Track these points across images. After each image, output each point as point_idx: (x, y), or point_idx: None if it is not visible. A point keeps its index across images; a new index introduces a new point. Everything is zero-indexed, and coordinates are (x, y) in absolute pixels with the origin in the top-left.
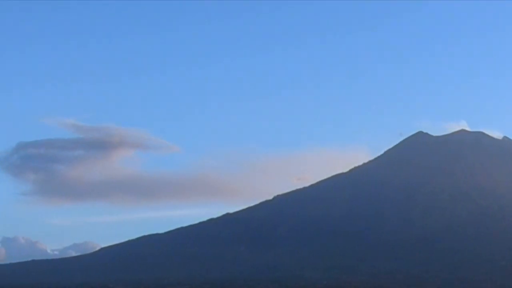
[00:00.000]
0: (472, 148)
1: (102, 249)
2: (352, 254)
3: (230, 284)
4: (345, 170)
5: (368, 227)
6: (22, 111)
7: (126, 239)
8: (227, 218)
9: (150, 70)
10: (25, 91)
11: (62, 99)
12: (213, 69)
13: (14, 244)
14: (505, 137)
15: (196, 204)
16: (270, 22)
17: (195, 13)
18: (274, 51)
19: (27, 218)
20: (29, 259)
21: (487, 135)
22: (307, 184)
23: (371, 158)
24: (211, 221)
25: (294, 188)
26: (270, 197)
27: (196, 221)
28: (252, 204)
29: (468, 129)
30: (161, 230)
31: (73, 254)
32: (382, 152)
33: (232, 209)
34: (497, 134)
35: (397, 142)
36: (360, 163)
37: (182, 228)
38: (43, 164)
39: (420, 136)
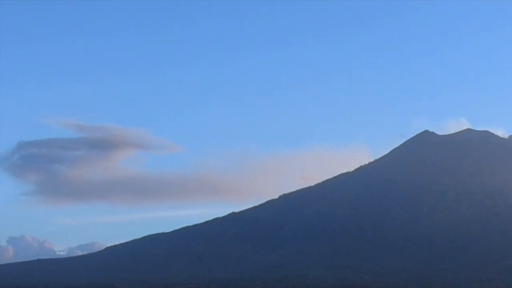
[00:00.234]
0: (478, 147)
1: (107, 248)
2: (358, 253)
3: (235, 283)
4: (349, 169)
5: (374, 226)
6: (23, 111)
7: (131, 239)
8: (232, 218)
9: (152, 70)
10: (26, 90)
11: (63, 99)
12: (216, 69)
13: (20, 244)
14: (511, 136)
15: (201, 204)
16: (271, 22)
17: (196, 13)
18: (276, 51)
19: (28, 218)
20: (35, 258)
21: (493, 134)
22: (312, 184)
23: (375, 157)
24: (216, 220)
25: (298, 188)
26: (275, 197)
27: (202, 221)
28: (257, 204)
29: (468, 127)
30: (166, 229)
31: (79, 253)
32: (387, 151)
33: (236, 209)
34: (502, 133)
35: (402, 142)
36: (363, 162)
37: (187, 227)
38: (44, 164)
39: (426, 135)
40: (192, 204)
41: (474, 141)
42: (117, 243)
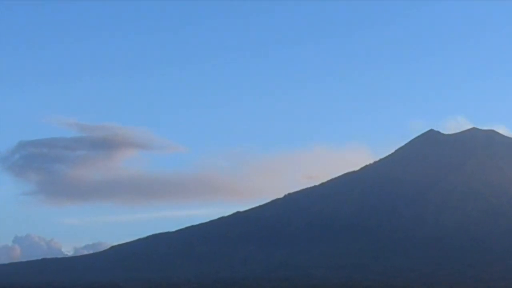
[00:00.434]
0: (483, 146)
1: (112, 247)
2: (363, 253)
3: (240, 283)
4: (350, 168)
5: (380, 226)
6: (24, 110)
7: (136, 238)
8: (237, 217)
9: (154, 69)
10: (27, 89)
11: (64, 98)
12: (217, 69)
13: (26, 243)
14: None
15: (204, 203)
16: (272, 22)
17: (198, 13)
18: (278, 51)
19: (32, 218)
20: (42, 257)
21: (499, 133)
22: (316, 183)
23: (375, 156)
24: (221, 219)
25: (302, 187)
26: (279, 196)
27: (206, 220)
28: (261, 203)
29: (471, 126)
30: (171, 229)
31: (85, 253)
32: (387, 150)
33: (240, 209)
34: (508, 132)
35: (407, 141)
36: (363, 161)
37: (192, 226)
38: (45, 164)
39: (432, 134)
40: (196, 204)
41: (479, 140)
42: (121, 242)
